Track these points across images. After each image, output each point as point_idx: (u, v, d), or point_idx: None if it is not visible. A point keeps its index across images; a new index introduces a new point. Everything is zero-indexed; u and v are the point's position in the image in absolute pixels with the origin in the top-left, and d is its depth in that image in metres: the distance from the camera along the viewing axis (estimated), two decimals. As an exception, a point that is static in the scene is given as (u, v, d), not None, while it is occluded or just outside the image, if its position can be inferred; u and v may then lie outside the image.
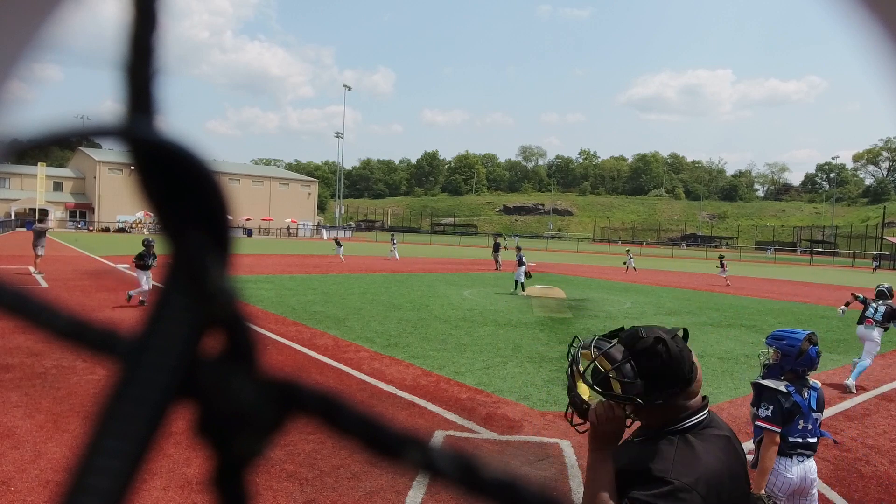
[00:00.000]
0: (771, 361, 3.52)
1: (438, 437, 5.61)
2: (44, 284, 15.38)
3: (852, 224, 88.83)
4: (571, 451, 5.37)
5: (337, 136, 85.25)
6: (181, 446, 5.00)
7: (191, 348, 0.26)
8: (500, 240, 31.80)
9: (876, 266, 43.01)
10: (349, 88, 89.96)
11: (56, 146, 0.27)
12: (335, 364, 8.20)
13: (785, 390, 3.38)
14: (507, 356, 9.08)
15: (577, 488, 4.68)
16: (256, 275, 20.26)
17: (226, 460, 0.27)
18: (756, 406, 3.45)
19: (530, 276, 19.33)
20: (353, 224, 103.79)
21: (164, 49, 0.27)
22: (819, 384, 3.57)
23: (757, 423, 3.40)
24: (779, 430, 3.32)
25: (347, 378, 7.55)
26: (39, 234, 17.82)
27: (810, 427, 3.42)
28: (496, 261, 28.21)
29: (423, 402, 6.59)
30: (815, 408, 3.44)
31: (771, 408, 3.34)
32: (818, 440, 3.47)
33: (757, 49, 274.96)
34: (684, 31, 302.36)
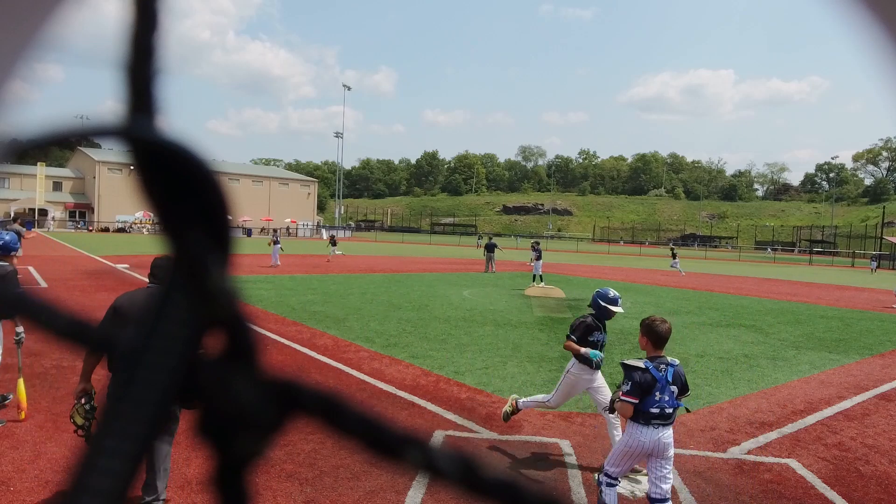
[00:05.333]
0: None
1: (438, 437, 5.61)
2: (43, 284, 15.38)
3: (852, 224, 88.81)
4: (571, 451, 5.37)
5: (337, 136, 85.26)
6: (181, 446, 4.99)
7: (191, 348, 0.26)
8: (493, 240, 29.02)
9: (875, 266, 42.90)
10: (349, 88, 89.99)
11: (56, 146, 0.27)
12: (335, 364, 8.20)
13: (643, 367, 3.84)
14: (507, 356, 9.08)
15: (577, 488, 4.68)
16: (256, 275, 20.26)
17: (226, 460, 0.27)
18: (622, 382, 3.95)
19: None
20: (352, 224, 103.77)
21: (164, 49, 0.27)
22: (678, 362, 3.98)
23: (620, 397, 3.86)
24: (635, 401, 3.79)
25: (347, 378, 7.55)
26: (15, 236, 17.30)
27: (667, 398, 3.83)
28: (489, 262, 25.87)
29: (422, 402, 6.59)
30: (670, 381, 3.84)
31: (629, 384, 3.83)
32: (675, 411, 3.89)
33: (759, 49, 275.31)
34: (687, 31, 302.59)
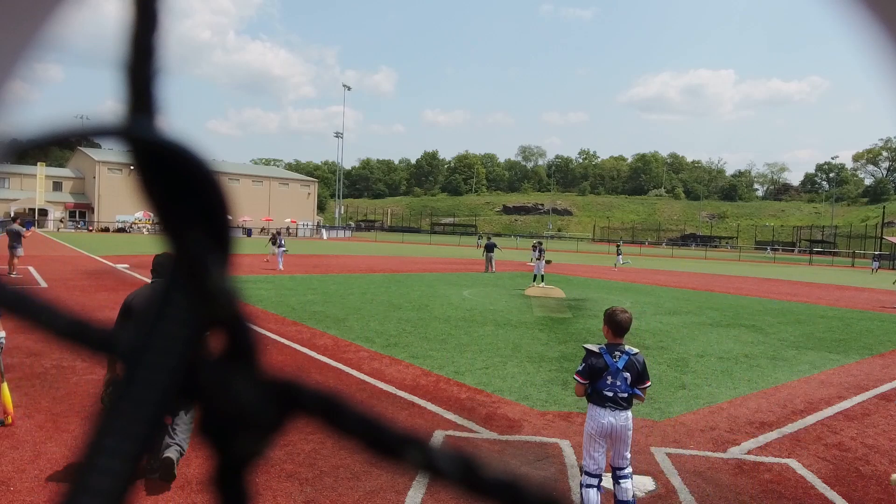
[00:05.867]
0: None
1: (438, 437, 5.61)
2: (43, 284, 15.39)
3: (852, 224, 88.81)
4: (571, 451, 5.37)
5: (337, 136, 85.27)
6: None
7: (191, 348, 0.26)
8: (493, 240, 28.60)
9: (877, 266, 42.85)
10: (349, 88, 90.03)
11: (56, 146, 0.27)
12: (335, 364, 8.20)
13: (598, 352, 4.14)
14: (507, 356, 9.08)
15: (577, 488, 4.67)
16: (256, 275, 20.26)
17: (226, 460, 0.27)
18: None
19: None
20: (352, 224, 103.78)
21: (164, 49, 0.27)
22: (637, 351, 4.21)
23: (574, 376, 4.21)
24: (585, 382, 4.12)
25: (347, 378, 7.55)
26: (16, 236, 16.60)
27: (619, 384, 4.08)
28: (489, 262, 25.86)
29: (422, 402, 6.58)
30: (621, 368, 4.08)
31: (582, 365, 4.15)
32: (629, 396, 4.10)
33: (759, 49, 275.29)
34: (687, 31, 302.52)
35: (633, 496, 4.13)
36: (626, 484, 4.08)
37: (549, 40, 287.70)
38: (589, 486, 4.08)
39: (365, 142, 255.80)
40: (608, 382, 4.07)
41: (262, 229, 72.79)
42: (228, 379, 0.26)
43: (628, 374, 4.10)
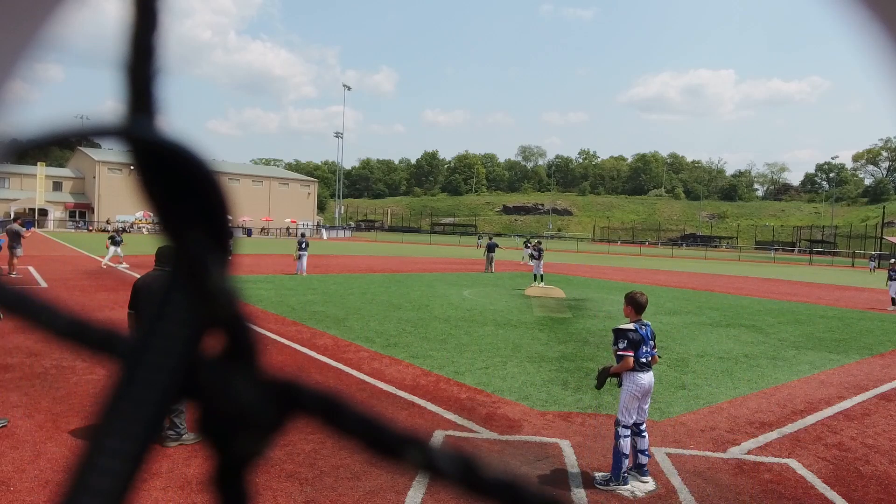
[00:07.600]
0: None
1: (438, 437, 5.61)
2: (43, 284, 15.39)
3: (852, 224, 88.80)
4: (571, 451, 5.37)
5: (337, 136, 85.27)
6: (181, 446, 5.00)
7: (191, 348, 0.26)
8: (494, 240, 28.40)
9: (874, 266, 42.86)
10: (349, 88, 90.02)
11: (56, 146, 0.27)
12: (335, 364, 8.20)
13: (633, 328, 4.97)
14: (507, 356, 9.08)
15: (577, 489, 4.68)
16: (256, 275, 20.25)
17: (226, 460, 0.27)
18: (615, 343, 5.00)
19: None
20: (352, 224, 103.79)
21: (165, 49, 0.27)
22: (650, 323, 5.17)
23: (618, 353, 4.93)
24: (632, 354, 4.88)
25: (347, 378, 7.55)
26: (15, 236, 16.48)
27: (650, 349, 5.02)
28: (489, 262, 25.79)
29: (422, 402, 6.59)
30: (650, 336, 5.05)
31: (625, 342, 4.91)
32: (652, 358, 5.06)
33: (759, 49, 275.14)
34: (687, 31, 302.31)
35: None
36: (646, 434, 4.98)
37: (549, 40, 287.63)
38: (625, 436, 4.83)
39: (365, 142, 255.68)
40: (644, 350, 4.94)
41: (262, 229, 72.78)
42: (228, 379, 0.26)
43: (652, 340, 5.08)
